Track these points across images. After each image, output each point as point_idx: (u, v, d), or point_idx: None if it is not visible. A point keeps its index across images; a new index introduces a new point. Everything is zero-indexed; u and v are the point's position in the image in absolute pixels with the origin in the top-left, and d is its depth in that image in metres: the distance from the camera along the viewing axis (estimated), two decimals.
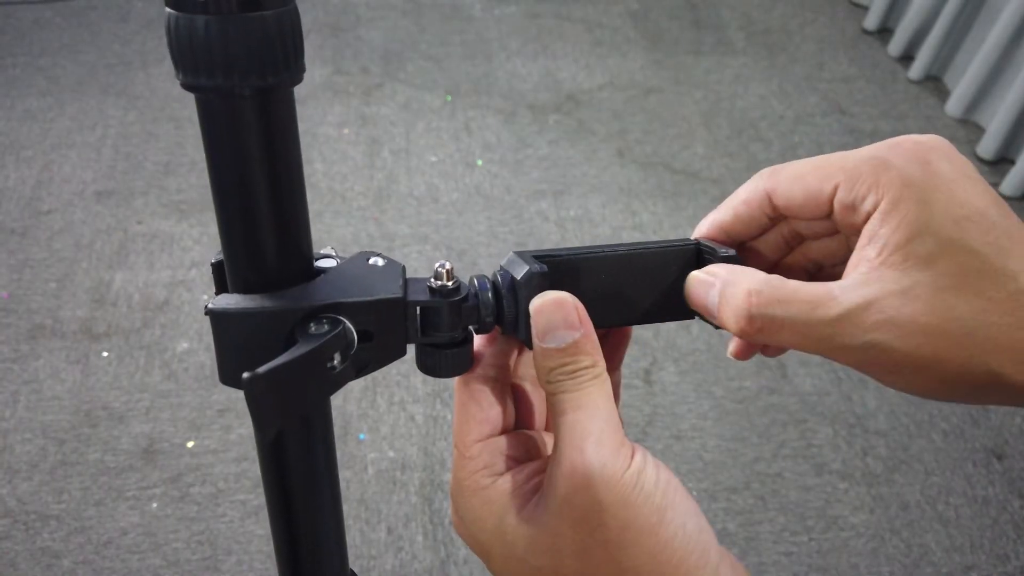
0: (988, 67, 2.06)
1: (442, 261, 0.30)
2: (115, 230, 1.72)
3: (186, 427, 1.37)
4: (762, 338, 0.29)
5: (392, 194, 1.86)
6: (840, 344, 0.28)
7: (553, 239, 1.78)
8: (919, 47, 2.34)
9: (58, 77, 2.13)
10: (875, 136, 2.13)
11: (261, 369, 0.24)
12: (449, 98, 2.17)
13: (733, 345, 0.36)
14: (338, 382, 0.28)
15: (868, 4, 2.60)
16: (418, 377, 1.47)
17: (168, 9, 0.24)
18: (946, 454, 1.41)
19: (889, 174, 0.28)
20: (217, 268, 0.29)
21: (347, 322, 0.28)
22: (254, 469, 1.32)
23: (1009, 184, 1.95)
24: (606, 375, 0.30)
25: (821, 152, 1.85)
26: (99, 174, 1.85)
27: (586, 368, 0.29)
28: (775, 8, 2.66)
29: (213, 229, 1.72)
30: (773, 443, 1.41)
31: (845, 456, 1.40)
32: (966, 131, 2.16)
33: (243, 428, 1.38)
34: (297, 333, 0.27)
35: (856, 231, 0.29)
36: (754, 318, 0.29)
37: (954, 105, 2.19)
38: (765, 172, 0.32)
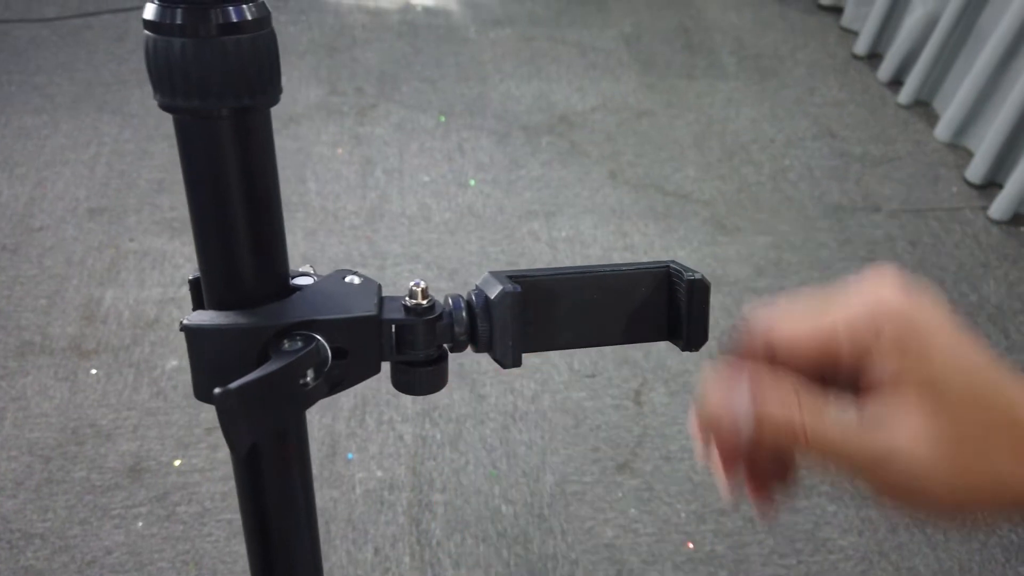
0: (976, 92, 2.09)
1: (417, 280, 0.30)
2: (107, 247, 1.72)
3: (173, 445, 1.37)
4: (799, 447, 0.30)
5: (385, 213, 1.86)
6: (866, 455, 0.30)
7: (545, 259, 1.78)
8: (908, 72, 2.37)
9: (53, 95, 2.14)
10: (865, 160, 2.15)
11: (232, 384, 0.24)
12: (443, 119, 2.18)
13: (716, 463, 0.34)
14: (311, 398, 0.28)
15: (858, 30, 2.63)
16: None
17: (146, 32, 0.24)
18: None
19: (887, 342, 0.30)
20: (194, 285, 0.29)
21: (321, 339, 0.28)
22: None
23: (997, 208, 1.96)
24: None
25: (812, 175, 1.84)
26: (92, 191, 1.85)
27: None
28: (766, 33, 2.69)
29: None
30: None
31: (834, 478, 1.39)
32: (955, 156, 2.18)
33: None
34: (270, 350, 0.27)
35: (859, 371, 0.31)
36: (797, 424, 0.30)
37: (943, 130, 2.21)
38: (760, 327, 0.32)
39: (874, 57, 2.57)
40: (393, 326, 0.30)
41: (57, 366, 1.48)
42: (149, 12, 0.24)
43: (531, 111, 2.24)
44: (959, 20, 2.17)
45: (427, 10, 2.67)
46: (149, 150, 1.97)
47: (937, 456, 0.29)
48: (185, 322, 0.27)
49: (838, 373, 0.31)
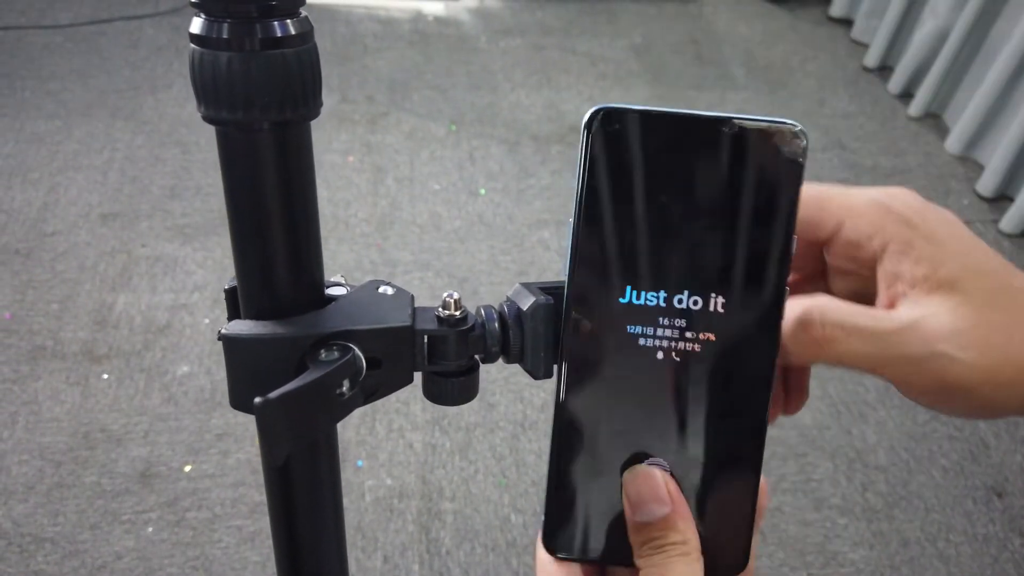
0: (987, 105, 2.09)
1: (450, 292, 0.31)
2: (119, 252, 1.73)
3: (184, 451, 1.37)
4: (827, 352, 0.30)
5: (395, 221, 1.87)
6: (907, 353, 0.29)
7: (554, 268, 1.78)
8: (919, 85, 2.37)
9: (67, 101, 2.15)
10: (875, 172, 2.15)
11: (273, 394, 0.24)
12: (453, 127, 2.19)
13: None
14: (347, 408, 0.28)
15: (868, 42, 2.63)
16: (417, 404, 1.47)
17: (193, 46, 0.25)
18: (946, 491, 1.40)
19: (891, 216, 0.30)
20: (230, 294, 0.30)
21: (356, 349, 0.28)
22: (251, 494, 1.32)
23: (1009, 222, 1.96)
24: (697, 554, 0.30)
25: None
26: (105, 197, 1.86)
27: (674, 544, 0.30)
28: (776, 45, 2.70)
29: (217, 253, 1.73)
30: (772, 477, 1.40)
31: (845, 491, 1.39)
32: (965, 168, 2.18)
33: (241, 453, 1.37)
34: (308, 359, 0.28)
35: (852, 266, 0.31)
36: (818, 326, 0.30)
37: (953, 142, 2.21)
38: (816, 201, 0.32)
39: (884, 69, 2.57)
40: (426, 336, 0.30)
41: (69, 371, 1.48)
42: (196, 26, 0.25)
43: (541, 120, 2.24)
44: (970, 33, 2.17)
45: (438, 19, 2.68)
46: (162, 156, 1.98)
47: (969, 353, 0.29)
48: (224, 332, 0.28)
49: (862, 264, 0.31)
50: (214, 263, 1.70)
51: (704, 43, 2.67)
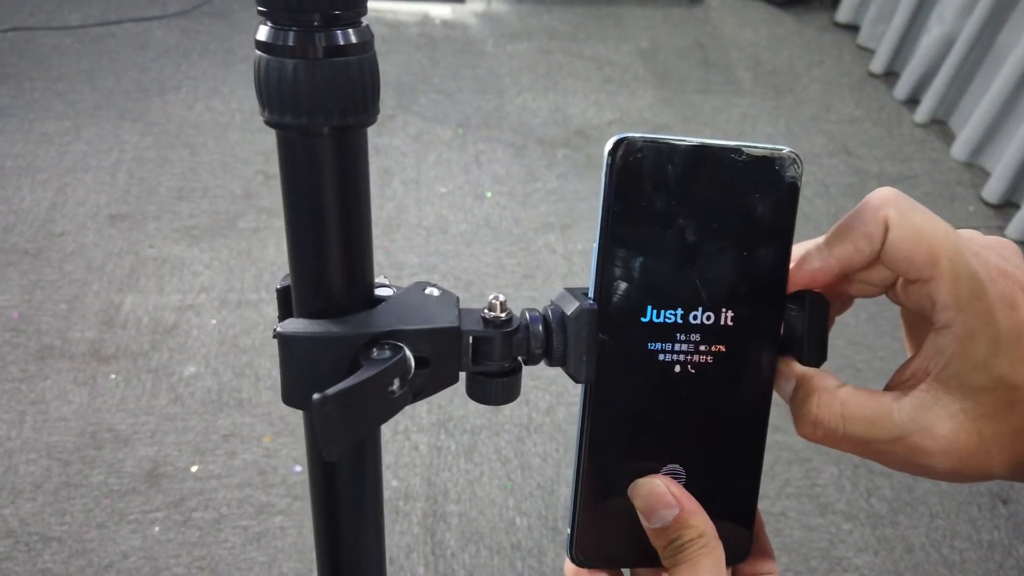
0: (994, 111, 2.09)
1: (496, 294, 0.31)
2: (127, 253, 1.73)
3: (191, 451, 1.37)
4: (823, 444, 0.33)
5: (402, 224, 1.88)
6: (889, 458, 0.32)
7: (560, 272, 1.79)
8: (925, 91, 2.38)
9: (75, 102, 2.16)
10: (881, 178, 2.16)
11: (331, 390, 0.25)
12: (460, 130, 2.20)
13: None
14: (396, 406, 0.28)
15: (875, 48, 2.64)
16: (423, 406, 1.48)
17: (258, 52, 0.25)
18: (951, 497, 1.41)
19: (982, 305, 0.30)
20: (282, 293, 0.30)
21: (407, 349, 0.29)
22: (257, 495, 1.32)
23: (1015, 228, 1.96)
24: (715, 541, 0.32)
25: (827, 192, 1.84)
26: (113, 198, 1.87)
27: (692, 540, 0.31)
28: (782, 50, 2.71)
29: (224, 254, 1.73)
30: (777, 482, 1.40)
31: (849, 497, 1.39)
32: (971, 175, 2.18)
33: (247, 454, 1.37)
34: (361, 358, 0.28)
35: (920, 300, 0.31)
36: (818, 429, 0.32)
37: (960, 149, 2.22)
38: (892, 201, 0.32)
39: (890, 75, 2.58)
40: (471, 337, 0.31)
41: (76, 370, 1.48)
42: (262, 34, 0.25)
43: (547, 124, 2.25)
44: (977, 39, 2.18)
45: (445, 23, 2.69)
46: (169, 158, 1.98)
47: (948, 463, 0.31)
48: (280, 330, 0.28)
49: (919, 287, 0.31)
50: (221, 264, 1.71)
51: (710, 48, 2.68)
